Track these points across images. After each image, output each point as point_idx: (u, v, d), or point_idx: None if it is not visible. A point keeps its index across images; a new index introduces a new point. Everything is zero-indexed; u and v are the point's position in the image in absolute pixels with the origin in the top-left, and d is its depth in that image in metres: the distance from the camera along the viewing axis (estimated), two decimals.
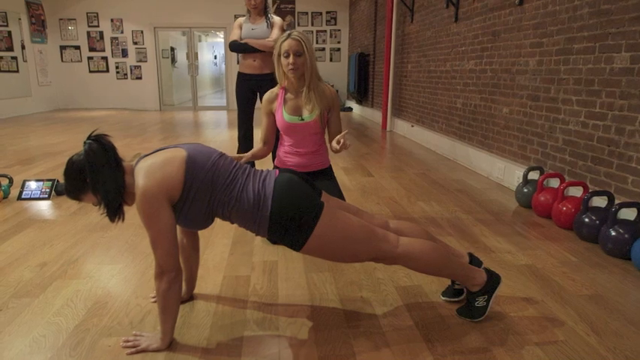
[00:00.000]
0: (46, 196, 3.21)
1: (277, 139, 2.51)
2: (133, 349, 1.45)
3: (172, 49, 12.17)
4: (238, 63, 3.58)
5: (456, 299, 1.78)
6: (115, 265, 2.12)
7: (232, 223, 1.55)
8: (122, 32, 10.64)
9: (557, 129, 3.02)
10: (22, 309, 1.72)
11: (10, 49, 8.87)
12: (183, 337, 1.54)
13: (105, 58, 10.76)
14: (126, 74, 10.88)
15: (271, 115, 2.37)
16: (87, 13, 10.49)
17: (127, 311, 1.70)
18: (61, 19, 10.49)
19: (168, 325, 1.46)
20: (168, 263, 1.39)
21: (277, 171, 1.58)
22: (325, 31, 10.96)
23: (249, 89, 3.50)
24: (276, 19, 3.42)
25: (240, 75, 3.53)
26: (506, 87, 3.66)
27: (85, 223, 2.71)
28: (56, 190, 3.29)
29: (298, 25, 10.77)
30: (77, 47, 10.66)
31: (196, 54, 11.49)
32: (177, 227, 1.53)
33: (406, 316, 1.67)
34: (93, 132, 1.42)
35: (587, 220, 2.39)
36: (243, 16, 3.52)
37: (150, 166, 1.40)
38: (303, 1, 10.71)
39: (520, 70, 3.44)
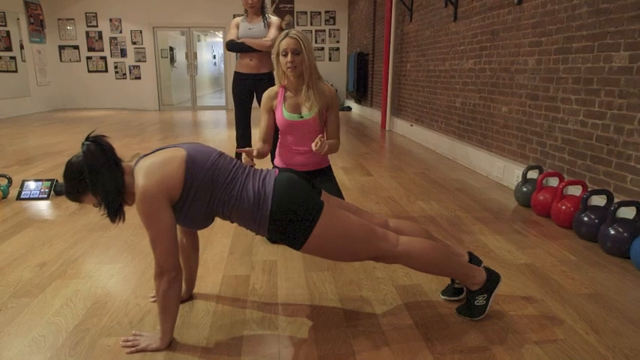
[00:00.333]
0: (45, 196, 3.21)
1: (276, 138, 2.51)
2: (133, 349, 1.45)
3: (171, 48, 12.16)
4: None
5: (456, 298, 1.78)
6: (115, 264, 2.12)
7: (232, 222, 1.55)
8: (121, 32, 10.63)
9: (556, 128, 3.03)
10: (22, 309, 1.71)
11: (9, 49, 8.86)
12: (183, 336, 1.54)
13: (104, 58, 10.75)
14: (125, 74, 10.86)
15: (271, 113, 2.37)
16: (85, 13, 10.48)
17: (127, 311, 1.70)
18: (59, 19, 10.47)
19: (168, 324, 1.46)
20: (168, 263, 1.39)
21: (277, 170, 1.58)
22: (324, 30, 10.96)
23: (245, 89, 3.49)
24: (274, 19, 3.42)
25: (236, 74, 3.53)
26: (505, 86, 3.66)
27: (84, 222, 2.71)
28: (55, 190, 3.28)
29: (297, 24, 10.76)
30: (76, 47, 10.65)
31: (195, 54, 11.48)
32: (177, 227, 1.53)
33: (406, 315, 1.67)
34: (91, 133, 1.41)
35: (586, 218, 2.40)
36: (242, 15, 3.51)
37: (149, 166, 1.40)
38: (302, 1, 10.70)
39: (519, 70, 3.44)
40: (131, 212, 2.73)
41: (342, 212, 1.53)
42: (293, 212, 1.44)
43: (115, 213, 1.43)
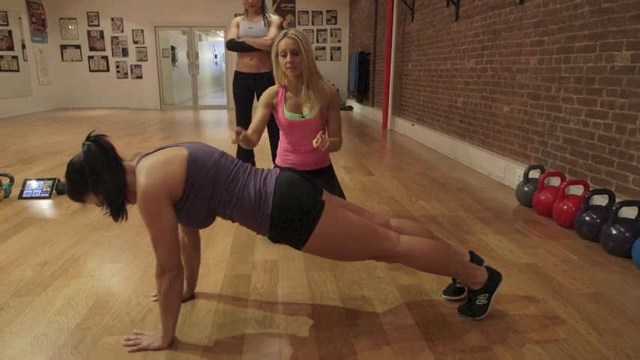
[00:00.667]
0: (47, 195, 3.22)
1: (277, 138, 2.51)
2: (134, 348, 1.45)
3: (173, 48, 12.17)
4: None
5: (457, 298, 1.78)
6: (116, 263, 2.12)
7: (233, 222, 1.55)
8: (122, 31, 10.63)
9: (557, 127, 3.02)
10: (24, 308, 1.72)
11: (11, 48, 8.87)
12: (185, 335, 1.54)
13: (105, 58, 10.76)
14: (126, 73, 10.88)
15: (269, 108, 2.35)
16: (87, 13, 10.49)
17: (128, 310, 1.70)
18: (61, 19, 10.48)
19: (170, 323, 1.46)
20: (170, 262, 1.40)
21: (278, 170, 1.58)
22: (326, 30, 10.96)
23: (246, 88, 3.49)
24: (274, 18, 3.42)
25: (237, 74, 3.52)
26: (506, 86, 3.65)
27: (85, 222, 2.71)
28: (57, 189, 3.29)
29: (299, 24, 10.76)
30: (77, 46, 10.66)
31: (197, 53, 11.48)
32: (179, 226, 1.53)
33: (407, 315, 1.67)
34: (91, 133, 1.42)
35: (587, 218, 2.39)
36: (242, 14, 3.51)
37: (151, 165, 1.40)
38: (303, 0, 10.69)
39: (521, 69, 3.44)
40: (132, 211, 2.73)
41: (344, 211, 1.53)
42: (294, 211, 1.44)
43: (118, 212, 1.43)
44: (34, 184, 3.27)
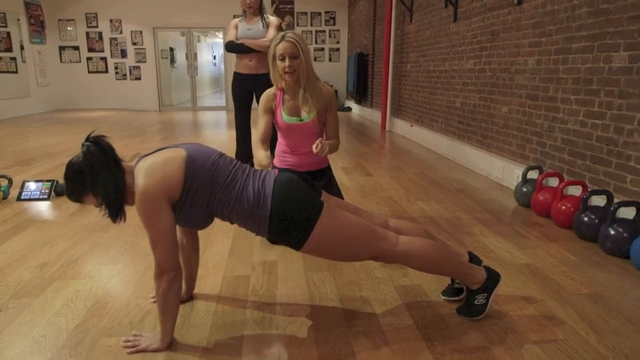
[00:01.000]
0: (46, 196, 3.21)
1: (276, 138, 2.51)
2: (133, 349, 1.45)
3: (171, 49, 12.17)
4: None
5: (456, 298, 1.78)
6: (115, 265, 2.12)
7: (232, 223, 1.55)
8: (121, 33, 10.63)
9: (556, 128, 3.03)
10: (22, 309, 1.72)
11: (9, 49, 8.87)
12: (183, 336, 1.54)
13: (104, 59, 10.76)
14: (125, 75, 10.87)
15: (270, 113, 2.36)
16: (86, 14, 10.49)
17: (127, 311, 1.70)
18: (59, 20, 10.48)
19: (168, 325, 1.46)
20: (168, 263, 1.40)
21: (277, 170, 1.58)
22: (324, 31, 10.97)
23: (245, 89, 3.50)
24: (272, 19, 3.42)
25: (236, 75, 3.53)
26: (505, 86, 3.66)
27: (84, 223, 2.71)
28: (55, 191, 3.29)
29: (297, 25, 10.77)
30: (76, 48, 10.66)
31: (195, 54, 11.49)
32: (177, 227, 1.53)
33: (406, 315, 1.68)
34: (90, 134, 1.42)
35: (586, 219, 2.40)
36: (240, 16, 3.51)
37: (150, 166, 1.40)
38: (301, 1, 10.71)
39: (519, 70, 3.44)
40: (131, 213, 2.73)
41: (342, 212, 1.54)
42: (293, 212, 1.45)
43: (116, 213, 1.43)
44: (32, 185, 3.27)
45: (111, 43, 10.68)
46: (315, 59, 10.81)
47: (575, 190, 2.79)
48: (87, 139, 1.39)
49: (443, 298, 1.80)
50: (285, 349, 1.48)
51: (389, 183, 3.68)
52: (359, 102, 9.60)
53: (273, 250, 2.29)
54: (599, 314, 1.69)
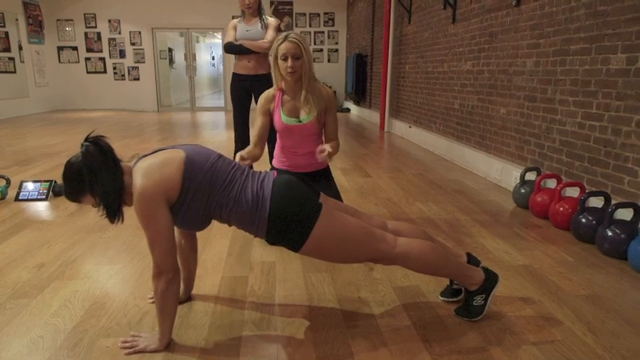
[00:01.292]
0: (44, 197, 3.21)
1: (275, 139, 2.51)
2: (131, 350, 1.45)
3: (170, 50, 12.16)
4: None
5: (455, 299, 1.78)
6: (113, 265, 2.12)
7: (230, 225, 1.55)
8: (120, 33, 10.63)
9: (554, 130, 3.04)
10: (20, 310, 1.71)
11: (8, 49, 8.85)
12: (182, 337, 1.54)
13: (102, 59, 10.75)
14: (123, 75, 10.86)
15: (267, 115, 2.36)
16: (84, 14, 10.47)
17: (125, 312, 1.70)
18: (58, 20, 10.47)
19: (166, 325, 1.46)
20: (166, 263, 1.40)
21: (275, 172, 1.58)
22: (323, 32, 10.97)
23: (243, 90, 3.50)
24: (271, 20, 3.42)
25: (234, 75, 3.53)
26: (503, 88, 3.67)
27: (82, 223, 2.71)
28: (54, 191, 3.28)
29: (296, 26, 10.78)
30: (75, 48, 10.64)
31: (194, 55, 11.48)
32: (175, 228, 1.53)
33: (404, 316, 1.68)
34: (90, 134, 1.42)
35: (583, 220, 2.40)
36: (239, 16, 3.51)
37: (148, 167, 1.40)
38: (300, 2, 10.71)
39: (517, 71, 3.45)
40: (130, 213, 2.73)
41: (341, 214, 1.54)
42: (291, 214, 1.45)
43: (114, 213, 1.43)
44: (30, 185, 3.26)
45: (109, 43, 10.67)
46: (313, 60, 10.81)
47: (573, 192, 2.79)
48: (86, 139, 1.39)
49: (441, 299, 1.81)
50: (284, 349, 1.48)
51: (387, 184, 3.68)
52: (357, 103, 9.61)
53: (272, 251, 2.29)
54: (596, 315, 1.70)
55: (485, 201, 3.21)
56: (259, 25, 3.39)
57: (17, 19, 9.21)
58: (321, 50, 11.06)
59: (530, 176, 3.18)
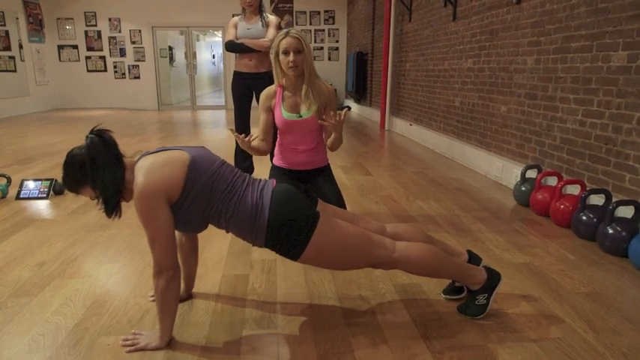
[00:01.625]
0: (45, 195, 3.21)
1: (276, 137, 2.51)
2: (132, 348, 1.45)
3: (170, 48, 12.15)
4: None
5: (457, 297, 1.78)
6: (114, 264, 2.12)
7: (227, 232, 1.54)
8: (120, 31, 10.62)
9: (554, 127, 3.03)
10: (21, 308, 1.72)
11: (8, 48, 8.85)
12: (182, 335, 1.54)
13: (103, 58, 10.74)
14: (124, 74, 10.86)
15: (270, 111, 2.37)
16: (85, 13, 10.47)
17: (126, 310, 1.70)
18: (58, 19, 10.46)
19: (167, 323, 1.46)
20: (166, 261, 1.40)
21: (274, 181, 1.58)
22: (323, 30, 10.96)
23: (245, 88, 3.50)
24: (272, 18, 3.42)
25: (236, 74, 3.53)
26: (504, 85, 3.66)
27: (83, 222, 2.71)
28: (54, 190, 3.28)
29: (296, 24, 10.76)
30: (75, 47, 10.64)
31: (194, 53, 11.47)
32: None
33: (404, 314, 1.68)
34: (96, 127, 1.42)
35: (584, 218, 2.40)
36: (239, 14, 3.51)
37: (150, 165, 1.40)
38: (301, 0, 10.70)
39: (518, 69, 3.44)
40: (130, 212, 2.73)
41: (339, 222, 1.54)
42: (290, 223, 1.45)
43: (112, 208, 1.43)
44: (31, 184, 3.27)
45: (110, 41, 10.67)
46: (314, 58, 10.80)
47: (574, 189, 2.79)
48: (91, 132, 1.39)
49: (444, 296, 1.81)
50: (284, 347, 1.48)
51: (388, 182, 3.68)
52: (358, 101, 9.60)
53: None
54: (597, 313, 1.69)
55: (485, 199, 3.21)
56: (260, 23, 3.38)
57: (17, 18, 9.21)
58: (322, 48, 11.04)
59: (531, 174, 3.18)
